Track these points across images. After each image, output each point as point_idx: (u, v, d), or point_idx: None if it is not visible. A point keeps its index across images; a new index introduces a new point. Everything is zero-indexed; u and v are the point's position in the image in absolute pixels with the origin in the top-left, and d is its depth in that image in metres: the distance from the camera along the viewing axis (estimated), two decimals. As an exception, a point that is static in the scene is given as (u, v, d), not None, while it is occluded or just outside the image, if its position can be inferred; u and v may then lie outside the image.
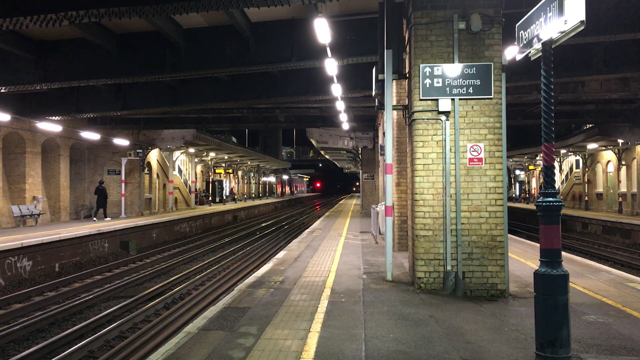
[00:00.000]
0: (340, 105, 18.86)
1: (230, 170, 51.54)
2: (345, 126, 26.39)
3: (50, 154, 23.88)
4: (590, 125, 28.63)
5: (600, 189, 31.18)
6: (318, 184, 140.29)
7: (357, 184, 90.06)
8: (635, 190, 26.19)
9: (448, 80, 8.04)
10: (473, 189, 8.05)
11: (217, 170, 46.37)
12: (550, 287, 4.73)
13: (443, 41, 8.13)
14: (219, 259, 19.80)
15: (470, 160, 8.08)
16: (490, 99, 8.04)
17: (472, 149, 8.07)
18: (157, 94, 18.12)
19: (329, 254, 12.88)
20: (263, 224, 36.61)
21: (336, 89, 15.64)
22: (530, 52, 5.31)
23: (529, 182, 47.92)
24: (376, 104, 11.18)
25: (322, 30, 9.97)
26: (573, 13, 4.51)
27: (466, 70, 8.01)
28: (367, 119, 27.16)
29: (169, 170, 32.94)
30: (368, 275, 9.77)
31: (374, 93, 10.08)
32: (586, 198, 32.33)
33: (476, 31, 8.01)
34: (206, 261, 18.98)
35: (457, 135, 8.06)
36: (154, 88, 17.99)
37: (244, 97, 17.63)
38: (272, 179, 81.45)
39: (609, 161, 30.10)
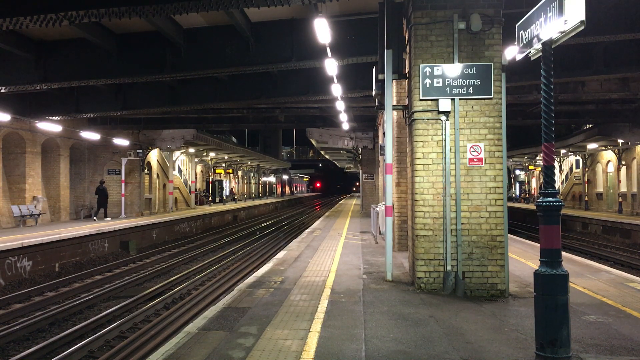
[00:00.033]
0: (340, 105, 18.85)
1: (230, 170, 51.54)
2: (345, 126, 26.38)
3: (50, 154, 23.88)
4: (590, 125, 28.64)
5: (600, 189, 31.18)
6: (318, 184, 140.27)
7: (357, 184, 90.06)
8: (635, 190, 26.18)
9: (448, 80, 8.04)
10: (473, 189, 8.05)
11: (217, 170, 46.36)
12: (551, 287, 4.73)
13: (443, 41, 8.13)
14: (219, 259, 19.80)
15: (470, 160, 8.08)
16: (490, 99, 8.04)
17: (472, 149, 8.07)
18: (157, 94, 18.12)
19: (329, 254, 12.88)
20: (263, 224, 36.62)
21: (336, 89, 15.64)
22: (530, 52, 5.31)
23: (529, 182, 47.92)
24: (376, 104, 11.17)
25: (322, 30, 9.97)
26: (573, 13, 4.51)
27: (466, 70, 8.02)
28: (367, 119, 27.15)
29: (169, 170, 32.94)
30: (368, 275, 9.77)
31: (374, 93, 10.08)
32: (586, 198, 32.32)
33: (476, 31, 8.01)
34: (206, 261, 18.98)
35: (457, 135, 8.06)
36: (154, 88, 17.98)
37: (244, 97, 17.64)
38: (272, 179, 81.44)
39: (609, 161, 30.10)
